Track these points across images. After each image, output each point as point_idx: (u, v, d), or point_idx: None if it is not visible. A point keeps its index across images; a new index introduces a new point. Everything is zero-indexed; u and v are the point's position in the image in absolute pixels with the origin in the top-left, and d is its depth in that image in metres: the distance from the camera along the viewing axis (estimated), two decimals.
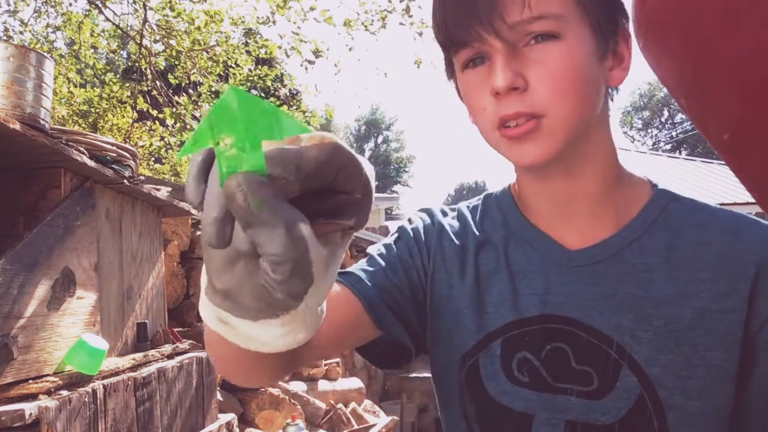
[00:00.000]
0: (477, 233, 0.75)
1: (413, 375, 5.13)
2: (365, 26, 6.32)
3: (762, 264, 0.63)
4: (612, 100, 0.68)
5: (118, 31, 6.33)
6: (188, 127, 6.40)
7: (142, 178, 2.06)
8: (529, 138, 0.61)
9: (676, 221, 0.67)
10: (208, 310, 0.40)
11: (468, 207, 0.80)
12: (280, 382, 3.18)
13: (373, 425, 3.39)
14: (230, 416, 2.41)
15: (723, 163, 0.54)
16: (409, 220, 0.81)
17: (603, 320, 0.66)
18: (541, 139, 0.61)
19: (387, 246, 0.77)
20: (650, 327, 0.64)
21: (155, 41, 6.29)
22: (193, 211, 2.64)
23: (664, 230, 0.67)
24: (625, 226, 0.68)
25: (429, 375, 0.86)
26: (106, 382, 1.57)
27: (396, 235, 0.79)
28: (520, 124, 0.60)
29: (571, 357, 0.67)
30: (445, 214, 0.80)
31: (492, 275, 0.72)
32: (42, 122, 1.58)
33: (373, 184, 0.38)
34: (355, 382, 4.02)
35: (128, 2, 6.01)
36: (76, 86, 6.64)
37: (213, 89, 6.56)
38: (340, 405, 3.46)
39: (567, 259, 0.69)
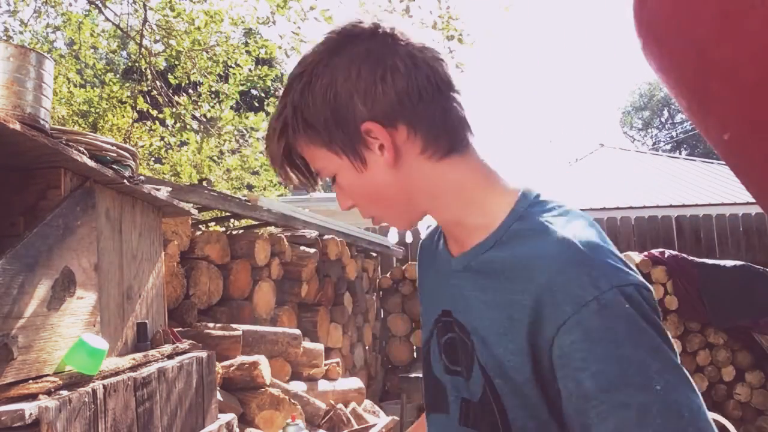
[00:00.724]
0: (434, 249, 0.97)
1: (413, 375, 5.13)
2: None
3: (544, 290, 0.70)
4: (429, 155, 0.80)
5: (118, 31, 6.33)
6: (188, 127, 6.39)
7: (142, 178, 2.06)
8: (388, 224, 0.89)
9: (512, 240, 0.78)
10: None
11: None
12: (280, 382, 3.18)
13: (373, 425, 3.39)
14: (230, 416, 2.41)
15: (723, 163, 0.54)
16: None
17: (464, 317, 0.82)
18: (391, 225, 0.88)
19: None
20: (482, 327, 0.78)
21: (155, 41, 6.29)
22: (194, 211, 2.64)
23: (503, 247, 0.78)
24: (481, 242, 0.81)
25: None
26: (106, 382, 1.57)
27: None
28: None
29: (458, 346, 0.83)
30: (425, 240, 1.03)
31: (434, 280, 0.93)
32: (42, 122, 1.58)
33: None
34: (355, 382, 4.02)
35: (128, 2, 6.01)
36: (76, 86, 6.64)
37: (213, 89, 6.56)
38: (340, 405, 3.46)
39: (451, 265, 0.86)
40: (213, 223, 4.63)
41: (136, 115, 6.44)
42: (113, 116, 6.37)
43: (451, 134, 0.79)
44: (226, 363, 2.84)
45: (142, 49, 5.95)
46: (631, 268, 0.71)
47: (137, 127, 6.53)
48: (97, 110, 6.36)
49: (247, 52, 6.53)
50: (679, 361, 0.66)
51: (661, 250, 5.42)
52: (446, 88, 0.78)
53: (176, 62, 6.25)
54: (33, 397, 1.35)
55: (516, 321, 0.72)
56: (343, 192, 0.85)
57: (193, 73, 6.31)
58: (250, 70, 6.63)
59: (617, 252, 0.73)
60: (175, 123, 6.30)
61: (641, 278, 0.70)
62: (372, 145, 0.78)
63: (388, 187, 0.81)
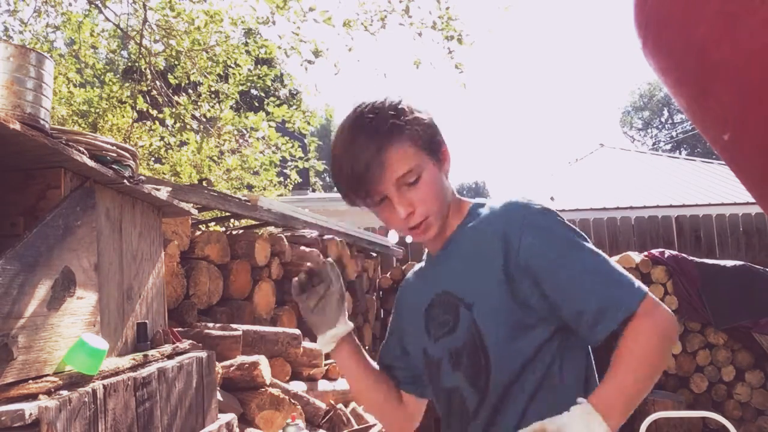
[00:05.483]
0: (410, 285, 1.36)
1: None
2: (365, 26, 6.31)
3: (506, 226, 1.09)
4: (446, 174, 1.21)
5: (118, 31, 6.33)
6: (188, 127, 6.39)
7: (142, 178, 2.06)
8: (426, 230, 1.14)
9: (472, 224, 1.18)
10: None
11: None
12: (280, 382, 3.18)
13: (373, 425, 3.39)
14: (230, 416, 2.41)
15: (723, 163, 0.54)
16: None
17: (449, 285, 1.16)
18: (430, 228, 1.14)
19: None
20: (461, 288, 1.14)
21: (155, 41, 6.29)
22: (194, 211, 2.64)
23: (461, 231, 1.18)
24: (450, 235, 1.20)
25: None
26: (106, 382, 1.57)
27: None
28: (420, 224, 1.13)
29: (443, 311, 1.17)
30: (405, 281, 1.45)
31: (414, 305, 1.27)
32: (42, 122, 1.58)
33: None
34: None
35: (128, 2, 6.01)
36: (76, 86, 6.64)
37: (213, 89, 6.55)
38: (340, 405, 3.46)
39: (432, 257, 1.25)
40: (213, 223, 4.63)
41: (136, 115, 6.43)
42: (113, 116, 6.37)
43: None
44: (226, 363, 2.84)
45: (142, 49, 5.95)
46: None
47: (137, 127, 6.53)
48: (97, 110, 6.35)
49: (247, 52, 6.53)
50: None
51: (661, 250, 5.42)
52: None
53: (176, 62, 6.25)
54: (33, 397, 1.35)
55: (493, 263, 1.08)
56: (417, 193, 1.11)
57: (193, 73, 6.31)
58: (249, 70, 6.63)
59: None
60: (175, 123, 6.30)
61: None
62: (444, 160, 1.17)
63: (445, 188, 1.17)
